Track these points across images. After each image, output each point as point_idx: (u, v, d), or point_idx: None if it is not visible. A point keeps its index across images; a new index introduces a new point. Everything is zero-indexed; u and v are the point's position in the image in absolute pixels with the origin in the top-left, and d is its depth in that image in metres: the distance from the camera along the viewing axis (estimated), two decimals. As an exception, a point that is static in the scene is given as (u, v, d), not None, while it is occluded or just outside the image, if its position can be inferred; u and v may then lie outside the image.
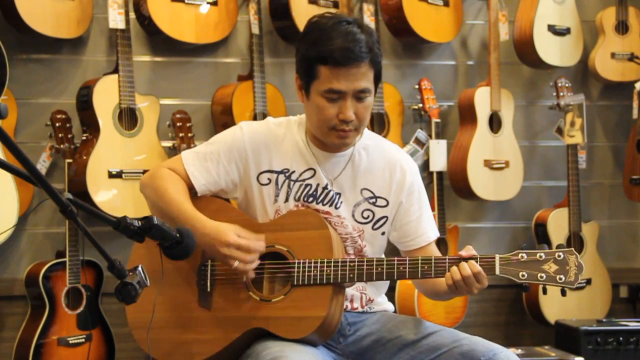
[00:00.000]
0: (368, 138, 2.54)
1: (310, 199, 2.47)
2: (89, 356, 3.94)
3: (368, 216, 2.50)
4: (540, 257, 2.27)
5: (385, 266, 2.34)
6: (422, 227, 2.54)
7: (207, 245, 2.37)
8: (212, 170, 2.49)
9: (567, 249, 2.28)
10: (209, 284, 2.43)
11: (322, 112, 2.36)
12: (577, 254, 2.28)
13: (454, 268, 2.28)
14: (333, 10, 4.31)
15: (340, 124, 2.37)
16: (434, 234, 2.57)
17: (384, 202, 2.50)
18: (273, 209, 2.48)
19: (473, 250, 2.31)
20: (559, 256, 2.27)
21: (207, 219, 2.39)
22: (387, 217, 2.51)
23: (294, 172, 2.48)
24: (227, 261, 2.36)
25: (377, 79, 2.40)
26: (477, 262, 2.28)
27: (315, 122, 2.41)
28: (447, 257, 2.33)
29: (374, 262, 2.35)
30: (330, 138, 2.41)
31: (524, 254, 2.28)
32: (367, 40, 2.33)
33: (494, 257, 2.29)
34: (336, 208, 2.48)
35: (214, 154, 2.49)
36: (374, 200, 2.50)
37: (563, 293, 2.30)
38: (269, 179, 2.48)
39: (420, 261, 2.32)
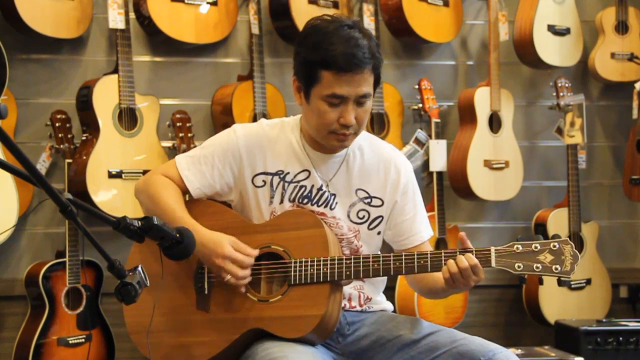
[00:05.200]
0: (362, 138, 2.54)
1: (305, 200, 2.47)
2: (88, 356, 3.94)
3: (363, 216, 2.50)
4: (536, 247, 2.28)
5: (381, 262, 2.34)
6: (416, 226, 2.54)
7: (202, 255, 2.38)
8: (206, 173, 2.49)
9: (562, 239, 2.29)
10: (206, 287, 2.43)
11: (323, 116, 2.36)
12: (572, 243, 2.28)
13: (451, 261, 2.28)
14: (333, 11, 4.31)
15: (340, 128, 2.37)
16: (428, 233, 2.58)
17: (379, 202, 2.51)
18: (268, 211, 2.48)
19: (468, 242, 2.32)
20: (554, 246, 2.27)
21: (203, 228, 2.38)
22: (382, 216, 2.52)
23: (288, 173, 2.48)
24: (220, 273, 2.37)
25: (377, 83, 2.41)
26: (473, 254, 2.28)
27: (315, 126, 2.41)
28: (442, 250, 2.34)
29: (370, 259, 2.35)
30: (330, 141, 2.41)
31: (519, 246, 2.29)
32: (369, 45, 2.33)
33: (490, 250, 2.30)
34: (331, 209, 2.48)
35: (208, 157, 2.49)
36: (369, 200, 2.50)
37: (559, 283, 2.31)
38: (264, 181, 2.48)
39: (416, 256, 2.33)
